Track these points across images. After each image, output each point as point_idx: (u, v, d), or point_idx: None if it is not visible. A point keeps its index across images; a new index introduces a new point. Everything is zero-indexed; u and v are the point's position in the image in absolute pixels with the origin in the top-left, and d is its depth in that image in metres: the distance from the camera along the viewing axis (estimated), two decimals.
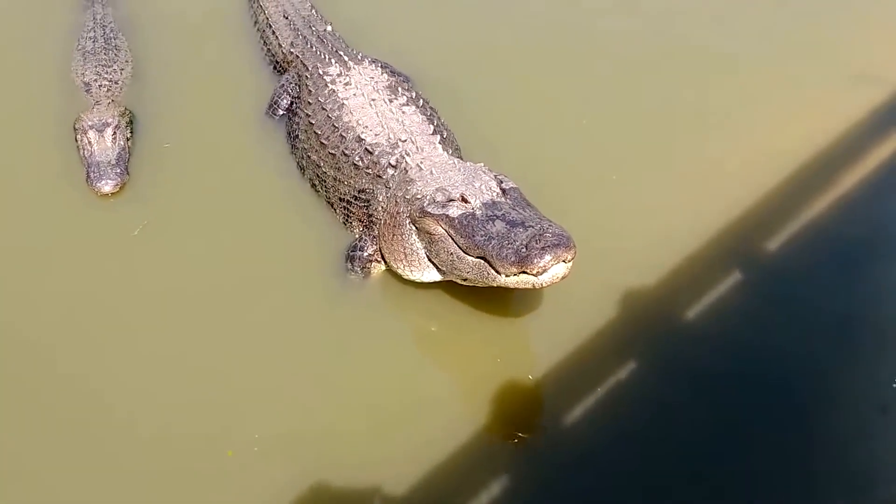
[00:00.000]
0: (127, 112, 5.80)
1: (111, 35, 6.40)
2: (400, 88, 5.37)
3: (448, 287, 4.78)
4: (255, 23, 6.65)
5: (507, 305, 4.79)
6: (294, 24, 6.27)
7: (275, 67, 6.28)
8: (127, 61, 6.27)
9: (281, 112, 5.81)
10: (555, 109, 6.02)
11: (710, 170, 5.61)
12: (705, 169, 5.60)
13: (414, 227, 4.52)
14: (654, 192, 5.42)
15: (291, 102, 5.76)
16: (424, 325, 4.83)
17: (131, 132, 5.70)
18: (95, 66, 6.08)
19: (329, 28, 6.31)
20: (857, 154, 5.74)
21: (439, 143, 4.94)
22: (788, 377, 4.54)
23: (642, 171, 5.55)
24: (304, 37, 6.11)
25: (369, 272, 4.90)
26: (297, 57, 5.95)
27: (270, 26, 6.37)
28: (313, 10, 6.52)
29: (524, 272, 3.98)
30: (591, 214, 5.14)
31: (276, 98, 5.87)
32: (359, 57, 5.77)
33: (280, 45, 6.19)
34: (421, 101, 5.40)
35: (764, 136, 5.85)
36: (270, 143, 5.73)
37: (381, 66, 5.65)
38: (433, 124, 5.11)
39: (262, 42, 6.46)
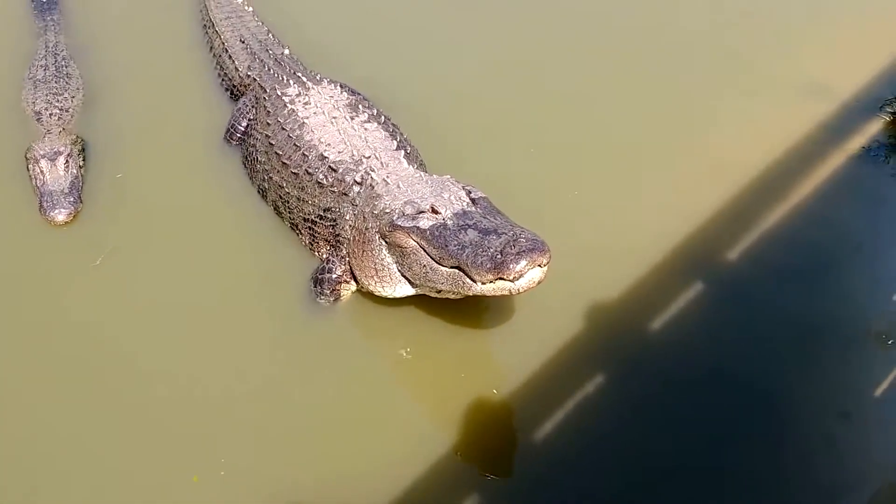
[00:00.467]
0: (79, 140, 5.72)
1: (62, 63, 6.31)
2: (360, 106, 5.31)
3: (416, 303, 4.75)
4: (211, 48, 6.58)
5: (475, 321, 4.78)
6: (251, 48, 6.23)
7: (231, 92, 6.20)
8: (78, 89, 6.18)
9: (238, 136, 5.73)
10: (517, 127, 6.07)
11: (670, 183, 5.68)
12: (665, 182, 5.67)
13: (384, 242, 4.46)
14: (615, 207, 5.47)
15: (248, 126, 5.68)
16: (391, 345, 4.76)
17: (84, 160, 5.61)
18: (46, 95, 5.98)
19: (286, 51, 6.27)
20: (811, 163, 5.86)
21: (404, 157, 4.89)
22: (753, 384, 4.58)
23: (603, 187, 5.61)
24: (262, 60, 6.06)
25: (339, 295, 4.81)
26: (255, 80, 5.89)
27: (227, 51, 6.30)
28: (270, 35, 6.49)
29: (501, 278, 3.95)
30: (555, 230, 5.03)
31: (233, 122, 5.79)
32: (317, 78, 5.74)
33: (237, 69, 6.12)
34: (382, 117, 5.35)
35: (721, 148, 5.94)
36: (229, 169, 5.67)
37: (341, 86, 5.60)
38: (396, 140, 5.07)
39: (219, 67, 6.39)
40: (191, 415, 4.37)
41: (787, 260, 5.22)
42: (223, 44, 6.37)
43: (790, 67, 6.63)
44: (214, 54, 6.51)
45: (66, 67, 6.30)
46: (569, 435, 4.34)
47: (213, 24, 6.59)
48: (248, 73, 5.99)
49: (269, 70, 5.92)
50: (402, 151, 4.95)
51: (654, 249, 5.22)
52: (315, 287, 4.83)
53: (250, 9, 6.80)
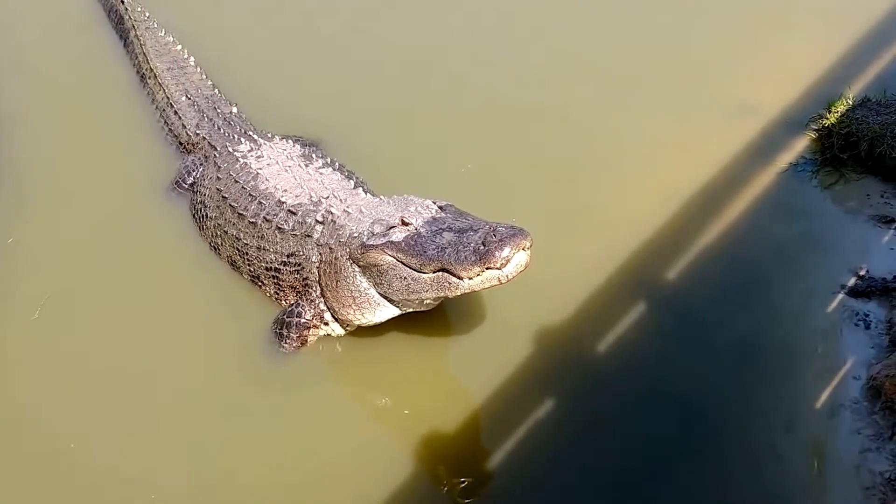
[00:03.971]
0: None
1: None
2: (314, 155, 5.29)
3: (371, 337, 4.75)
4: (153, 100, 6.42)
5: (424, 351, 4.80)
6: (198, 105, 6.06)
7: (177, 147, 6.04)
8: None
9: (185, 187, 5.60)
10: (458, 159, 6.12)
11: (608, 207, 5.78)
12: (603, 206, 5.76)
13: (357, 268, 4.39)
14: (555, 232, 5.42)
15: (195, 182, 5.54)
16: (353, 386, 4.74)
17: None
18: None
19: (234, 109, 6.14)
20: (742, 181, 6.01)
21: (363, 192, 4.87)
22: (698, 399, 4.64)
23: (544, 214, 5.63)
24: (210, 119, 5.91)
25: (305, 340, 4.67)
26: (204, 139, 5.74)
27: (172, 106, 6.13)
28: (216, 90, 6.36)
29: (488, 268, 3.93)
30: None
31: (179, 177, 5.67)
32: (269, 136, 5.65)
33: (184, 127, 5.95)
34: (336, 164, 5.31)
35: (655, 171, 6.07)
36: (172, 218, 5.58)
37: (293, 140, 5.54)
38: (353, 181, 5.05)
39: (163, 121, 6.21)
40: (150, 475, 4.28)
41: (724, 276, 5.32)
42: (167, 98, 6.21)
43: (718, 89, 6.82)
44: (158, 107, 6.33)
45: None
46: (524, 454, 4.36)
47: (156, 76, 6.44)
48: (197, 132, 5.85)
49: (218, 129, 5.78)
50: (360, 189, 4.93)
51: (595, 272, 5.28)
52: (280, 330, 4.67)
53: (192, 59, 6.68)
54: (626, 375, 4.75)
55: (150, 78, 6.52)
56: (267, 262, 4.83)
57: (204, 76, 6.52)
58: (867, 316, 5.03)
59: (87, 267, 5.29)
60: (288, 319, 4.65)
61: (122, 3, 7.17)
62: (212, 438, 4.42)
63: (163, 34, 6.91)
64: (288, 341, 4.65)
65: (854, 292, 5.18)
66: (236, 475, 4.27)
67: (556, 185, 5.91)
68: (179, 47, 6.78)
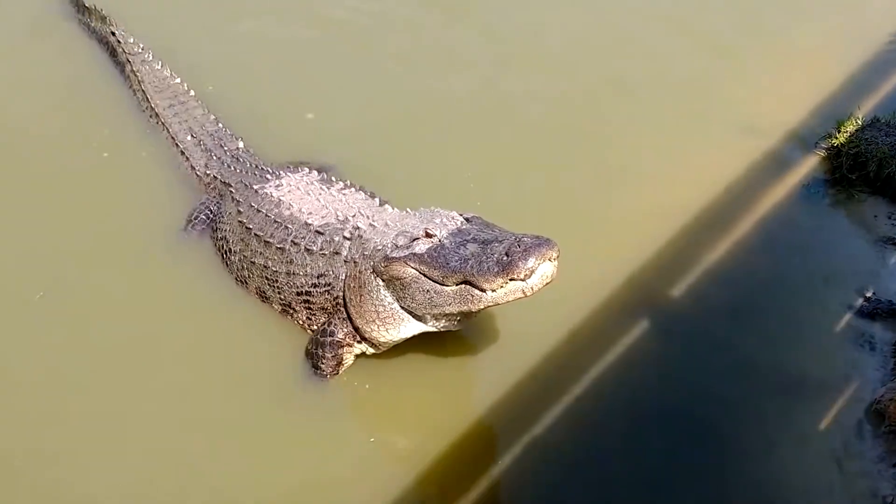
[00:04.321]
0: None
1: None
2: (332, 178, 5.23)
3: (390, 358, 4.74)
4: (161, 134, 6.16)
5: (440, 367, 4.79)
6: (204, 144, 5.88)
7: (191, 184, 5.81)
8: None
9: (201, 226, 5.43)
10: (459, 173, 6.09)
11: (614, 223, 5.77)
12: (608, 223, 5.75)
13: (381, 281, 4.30)
14: (561, 248, 5.45)
15: (213, 220, 5.40)
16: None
17: None
18: None
19: (241, 144, 5.95)
20: (751, 201, 6.00)
21: (389, 208, 4.81)
22: (701, 418, 4.64)
23: (549, 229, 5.39)
24: (218, 157, 5.76)
25: (341, 359, 4.59)
26: (216, 178, 5.61)
27: (177, 146, 5.95)
28: (219, 124, 6.12)
29: (512, 279, 3.82)
30: None
31: (196, 214, 5.50)
32: (279, 168, 5.54)
33: (193, 168, 5.79)
34: (357, 185, 5.21)
35: (663, 188, 6.07)
36: (192, 256, 5.40)
37: (308, 168, 5.42)
38: (377, 199, 4.98)
39: (173, 159, 5.99)
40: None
41: (729, 295, 5.32)
42: (173, 138, 6.00)
43: (727, 107, 6.83)
44: (166, 143, 6.11)
45: None
46: (530, 469, 4.38)
47: (157, 115, 6.19)
48: (207, 172, 5.71)
49: (228, 166, 5.65)
50: (387, 205, 4.88)
51: (600, 289, 5.26)
52: (316, 351, 4.58)
53: (192, 92, 6.40)
54: (629, 394, 4.75)
55: (151, 116, 6.27)
56: (297, 287, 4.73)
57: (206, 110, 6.25)
58: (872, 338, 5.03)
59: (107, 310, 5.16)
60: (322, 339, 4.58)
61: (114, 34, 6.76)
62: (243, 467, 4.40)
63: (160, 67, 6.55)
64: (324, 362, 4.58)
65: (860, 313, 5.18)
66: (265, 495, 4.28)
67: (562, 201, 5.91)
68: (178, 80, 6.47)
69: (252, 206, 5.04)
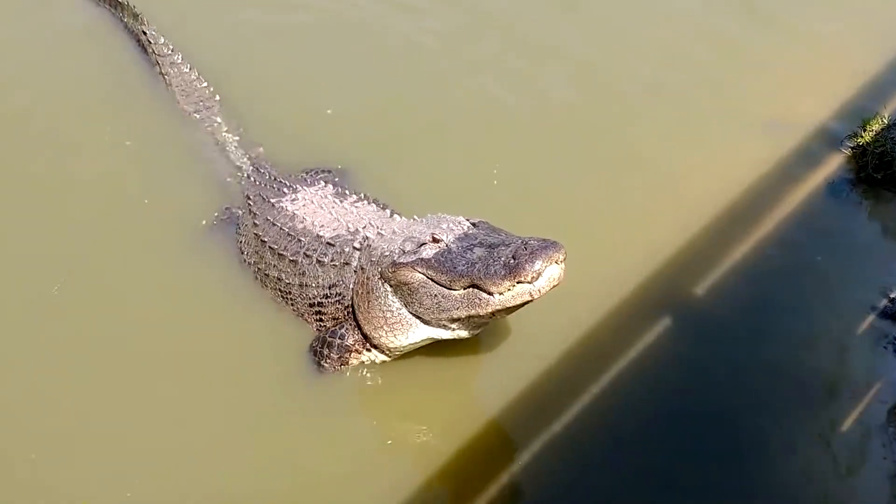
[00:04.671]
0: None
1: None
2: (347, 192, 5.28)
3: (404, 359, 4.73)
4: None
5: (453, 364, 4.78)
6: (227, 154, 5.97)
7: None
8: None
9: (223, 228, 5.51)
10: (484, 169, 6.05)
11: (637, 219, 5.74)
12: (630, 219, 5.72)
13: (388, 287, 4.33)
14: (582, 244, 5.35)
15: (235, 222, 5.49)
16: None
17: None
18: None
19: (261, 149, 6.01)
20: (775, 198, 5.96)
21: (398, 218, 4.86)
22: (722, 418, 4.63)
23: (568, 224, 5.60)
24: (240, 167, 5.83)
25: (346, 361, 4.64)
26: (236, 186, 5.70)
27: (202, 153, 6.04)
28: (240, 129, 6.19)
29: (519, 282, 3.82)
30: None
31: (219, 216, 5.59)
32: (300, 178, 5.60)
33: (215, 175, 5.89)
34: (370, 198, 5.26)
35: (686, 184, 6.03)
36: (212, 253, 5.41)
37: (324, 181, 5.45)
38: (388, 210, 5.03)
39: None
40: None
41: (752, 294, 5.29)
42: (199, 144, 6.09)
43: (752, 104, 6.76)
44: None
45: None
46: (547, 468, 4.38)
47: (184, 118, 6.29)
48: (228, 180, 5.80)
49: (248, 177, 5.70)
50: (396, 216, 4.92)
51: (622, 286, 5.26)
52: (322, 349, 4.64)
53: (217, 97, 6.43)
54: (648, 392, 4.73)
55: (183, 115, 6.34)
56: (310, 299, 4.81)
57: (229, 116, 6.30)
58: (895, 340, 4.99)
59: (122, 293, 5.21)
60: (330, 339, 4.63)
61: (145, 34, 6.75)
62: (246, 460, 4.42)
63: (188, 70, 6.55)
64: (328, 361, 4.63)
65: (883, 314, 5.14)
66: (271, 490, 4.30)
67: (584, 197, 5.88)
68: (205, 84, 6.49)
69: (268, 219, 5.12)
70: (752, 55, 7.29)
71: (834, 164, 6.28)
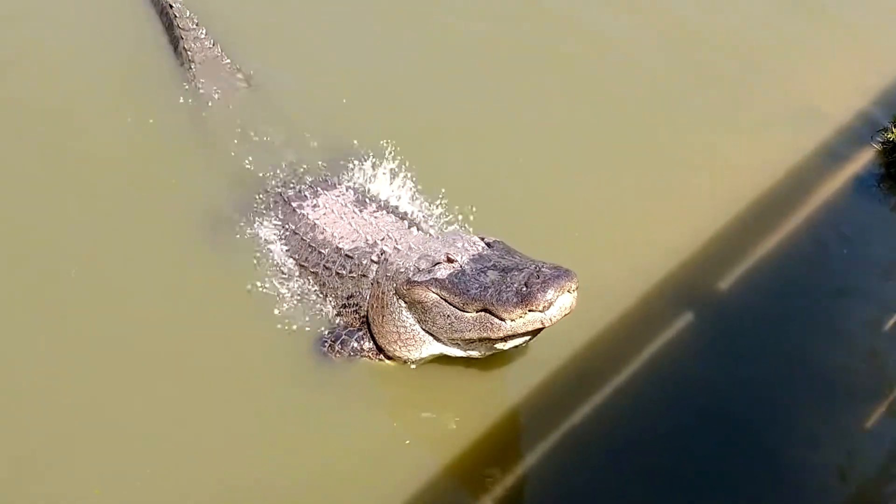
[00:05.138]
0: None
1: None
2: (367, 200, 5.27)
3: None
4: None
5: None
6: (248, 139, 5.79)
7: None
8: None
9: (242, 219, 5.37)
10: (507, 155, 6.01)
11: (660, 212, 5.69)
12: (655, 212, 5.67)
13: (402, 303, 4.36)
14: (603, 237, 5.46)
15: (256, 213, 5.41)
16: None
17: None
18: None
19: (284, 136, 5.83)
20: (803, 190, 5.90)
21: (416, 231, 4.89)
22: (744, 414, 4.62)
23: (592, 217, 5.58)
24: (259, 158, 5.67)
25: (354, 359, 4.70)
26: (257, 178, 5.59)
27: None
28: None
29: (530, 310, 3.81)
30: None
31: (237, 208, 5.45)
32: (323, 180, 5.50)
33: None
34: (390, 206, 5.27)
35: (711, 175, 5.97)
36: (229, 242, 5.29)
37: (346, 187, 5.41)
38: (406, 221, 5.04)
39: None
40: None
41: (777, 289, 5.25)
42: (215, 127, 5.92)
43: (782, 95, 6.66)
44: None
45: None
46: (563, 465, 4.38)
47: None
48: (248, 168, 5.66)
49: (271, 167, 5.59)
50: (414, 228, 4.94)
51: (644, 278, 5.23)
52: (333, 343, 4.67)
53: (240, 75, 6.23)
54: (670, 387, 4.72)
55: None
56: (328, 309, 4.91)
57: (251, 98, 6.11)
58: None
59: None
60: (345, 338, 4.67)
61: (171, 6, 6.53)
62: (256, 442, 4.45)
63: (210, 45, 6.32)
64: (336, 355, 4.68)
65: None
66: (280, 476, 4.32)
67: (608, 185, 5.83)
68: (228, 61, 6.28)
69: (290, 227, 5.14)
70: (784, 49, 7.16)
71: (864, 158, 6.20)
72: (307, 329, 4.82)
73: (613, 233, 5.48)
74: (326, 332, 4.79)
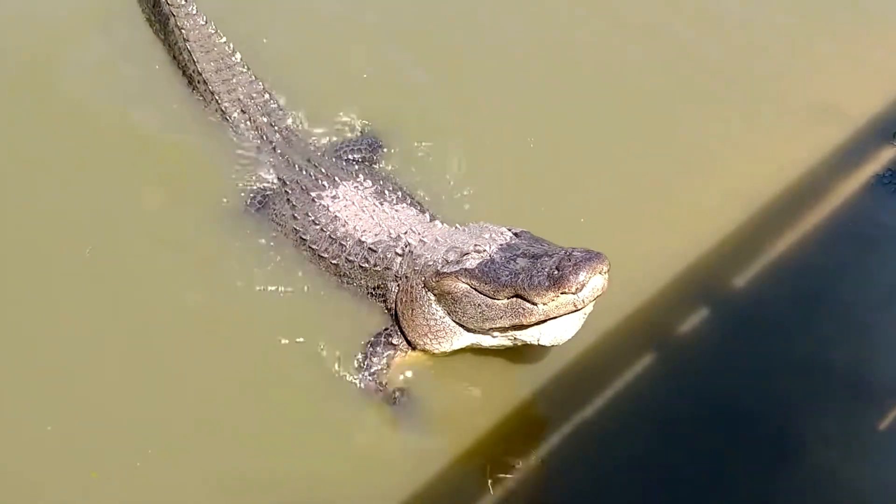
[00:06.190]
0: None
1: None
2: (386, 191, 5.23)
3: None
4: (204, 106, 5.76)
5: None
6: (255, 122, 5.62)
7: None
8: None
9: (256, 208, 5.34)
10: (521, 140, 5.98)
11: (677, 208, 5.64)
12: (671, 207, 5.62)
13: (432, 296, 4.40)
14: (620, 232, 5.38)
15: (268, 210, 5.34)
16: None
17: None
18: None
19: (289, 121, 5.71)
20: (822, 189, 5.83)
21: (439, 224, 4.89)
22: (760, 411, 4.61)
23: (609, 212, 5.54)
24: (271, 141, 5.54)
25: (390, 362, 4.67)
26: (270, 165, 5.48)
27: (227, 120, 5.64)
28: (267, 95, 5.77)
29: (563, 293, 3.84)
30: None
31: (250, 201, 5.39)
32: (338, 167, 5.46)
33: (243, 149, 5.59)
34: (409, 198, 5.25)
35: (729, 171, 5.91)
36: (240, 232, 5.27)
37: (363, 175, 5.34)
38: (427, 213, 5.07)
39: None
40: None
41: (794, 287, 5.22)
42: (221, 112, 5.67)
43: (803, 91, 6.56)
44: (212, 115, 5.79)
45: None
46: (576, 458, 4.40)
47: (206, 82, 5.73)
48: (259, 158, 5.56)
49: (282, 155, 5.48)
50: (437, 221, 4.95)
51: (661, 273, 5.20)
52: (371, 349, 4.69)
53: (238, 55, 5.86)
54: (685, 385, 4.71)
55: (199, 83, 5.72)
56: (351, 293, 4.94)
57: (253, 77, 5.77)
58: None
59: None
60: (376, 339, 4.71)
61: None
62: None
63: (204, 23, 5.84)
64: (374, 360, 4.65)
65: None
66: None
67: (624, 180, 5.76)
68: (224, 39, 5.85)
69: (308, 216, 5.08)
70: (804, 43, 7.04)
71: (884, 158, 6.11)
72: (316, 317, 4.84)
73: (630, 229, 5.42)
74: (364, 343, 4.76)
